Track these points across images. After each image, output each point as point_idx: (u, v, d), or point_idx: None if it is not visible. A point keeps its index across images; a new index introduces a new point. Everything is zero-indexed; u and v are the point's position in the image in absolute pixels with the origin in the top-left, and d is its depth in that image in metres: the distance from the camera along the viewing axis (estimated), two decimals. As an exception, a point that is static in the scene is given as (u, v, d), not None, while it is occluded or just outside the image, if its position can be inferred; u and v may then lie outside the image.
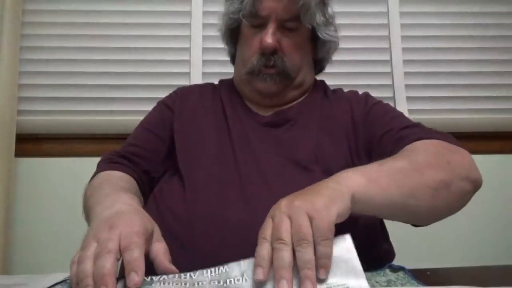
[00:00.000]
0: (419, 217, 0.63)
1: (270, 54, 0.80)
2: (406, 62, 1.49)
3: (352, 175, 0.55)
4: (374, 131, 0.78)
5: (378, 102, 0.85)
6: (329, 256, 0.45)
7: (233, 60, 0.95)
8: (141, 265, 0.45)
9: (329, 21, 0.86)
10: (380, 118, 0.79)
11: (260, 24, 0.81)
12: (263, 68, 0.81)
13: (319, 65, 0.93)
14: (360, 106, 0.83)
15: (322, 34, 0.84)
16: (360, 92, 0.90)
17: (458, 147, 0.68)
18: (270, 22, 0.79)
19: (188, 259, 0.61)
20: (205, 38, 1.46)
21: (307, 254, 0.44)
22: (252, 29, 0.82)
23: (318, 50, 0.88)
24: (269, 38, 0.78)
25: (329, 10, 0.87)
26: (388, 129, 0.76)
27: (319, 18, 0.82)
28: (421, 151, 0.64)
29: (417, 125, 0.76)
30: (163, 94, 0.93)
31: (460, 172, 0.63)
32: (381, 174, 0.56)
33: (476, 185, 0.65)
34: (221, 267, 0.48)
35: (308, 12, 0.80)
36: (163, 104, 0.90)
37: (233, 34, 0.89)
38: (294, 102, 0.87)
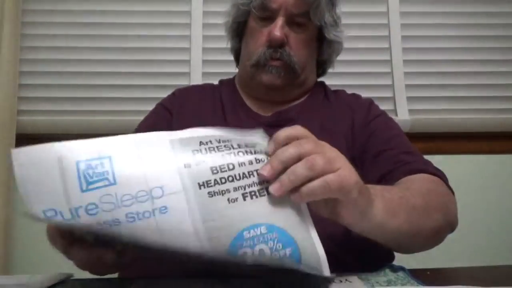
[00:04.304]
0: (403, 249, 0.66)
1: (277, 47, 0.80)
2: (406, 62, 1.49)
3: (375, 197, 0.53)
4: (373, 143, 0.78)
5: (381, 114, 0.85)
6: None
7: (236, 56, 0.95)
8: None
9: (336, 22, 0.86)
10: (382, 133, 0.79)
11: (268, 17, 0.81)
12: (269, 60, 0.81)
13: (321, 68, 0.93)
14: (362, 114, 0.82)
15: (329, 34, 0.85)
16: (363, 96, 0.89)
17: (449, 189, 0.70)
18: (280, 16, 0.80)
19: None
20: (205, 38, 1.46)
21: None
22: (260, 22, 0.82)
23: (323, 51, 0.88)
24: (277, 31, 0.79)
25: (337, 11, 0.87)
26: (388, 147, 0.76)
27: (327, 18, 0.83)
28: (432, 191, 0.65)
29: (416, 154, 0.77)
30: (163, 94, 0.93)
31: (451, 221, 0.66)
32: (399, 208, 0.55)
33: (452, 231, 0.68)
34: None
35: (318, 9, 0.80)
36: (161, 106, 0.89)
37: (239, 28, 0.89)
38: (295, 102, 0.87)
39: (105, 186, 0.41)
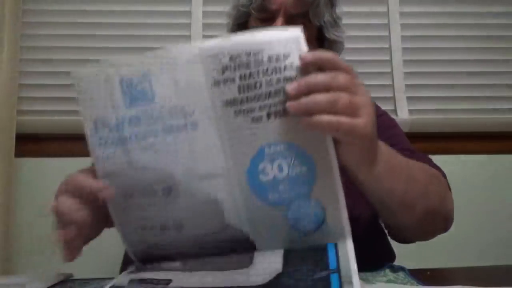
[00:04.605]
0: (394, 221, 0.64)
1: None
2: (406, 62, 1.49)
3: (381, 156, 0.53)
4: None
5: (383, 114, 0.86)
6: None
7: None
8: None
9: (336, 22, 0.87)
10: (384, 132, 0.80)
11: (268, 18, 0.82)
12: None
13: None
14: None
15: (329, 34, 0.85)
16: None
17: (447, 186, 0.70)
18: (279, 17, 0.80)
19: None
20: (205, 38, 1.46)
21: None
22: (260, 24, 0.83)
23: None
24: None
25: (337, 11, 0.88)
26: (392, 143, 0.76)
27: (327, 18, 0.83)
28: (435, 178, 0.65)
29: (416, 152, 0.78)
30: (163, 94, 0.93)
31: (447, 214, 0.66)
32: (400, 174, 0.56)
33: (447, 227, 0.68)
34: None
35: (317, 10, 0.81)
36: None
37: (240, 30, 0.90)
38: None
39: (145, 102, 0.47)
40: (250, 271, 0.46)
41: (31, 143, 1.37)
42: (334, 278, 0.42)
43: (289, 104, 0.43)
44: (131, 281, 0.48)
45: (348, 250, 0.46)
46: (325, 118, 0.43)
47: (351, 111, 0.44)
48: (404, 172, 0.56)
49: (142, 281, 0.47)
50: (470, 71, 1.50)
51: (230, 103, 0.45)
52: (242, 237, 0.49)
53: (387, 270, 0.57)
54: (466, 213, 1.40)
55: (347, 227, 0.47)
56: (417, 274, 0.54)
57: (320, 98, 0.43)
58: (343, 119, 0.44)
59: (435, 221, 0.65)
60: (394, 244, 0.79)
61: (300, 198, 0.46)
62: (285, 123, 0.45)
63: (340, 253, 0.46)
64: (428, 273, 0.58)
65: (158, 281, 0.47)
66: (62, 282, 0.56)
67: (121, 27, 1.46)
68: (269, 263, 0.47)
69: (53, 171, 1.35)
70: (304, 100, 0.43)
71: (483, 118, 1.46)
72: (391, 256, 0.78)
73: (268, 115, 0.45)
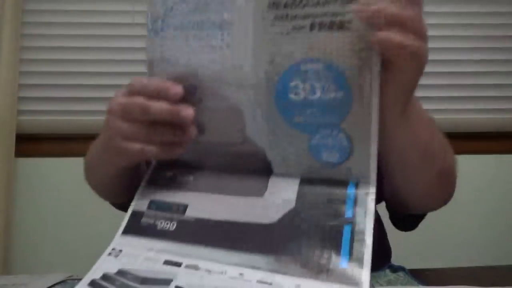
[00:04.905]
0: (410, 176, 0.58)
1: None
2: (406, 62, 1.49)
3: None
4: None
5: None
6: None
7: None
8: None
9: None
10: None
11: None
12: None
13: None
14: None
15: None
16: None
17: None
18: None
19: None
20: (205, 38, 1.45)
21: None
22: None
23: None
24: None
25: None
26: None
27: None
28: (447, 141, 0.62)
29: None
30: (163, 94, 0.94)
31: (456, 177, 0.63)
32: (427, 125, 0.56)
33: (452, 194, 0.64)
34: None
35: None
36: None
37: None
38: None
39: None
40: (263, 201, 0.44)
41: (31, 143, 1.37)
42: (346, 230, 0.39)
43: (357, 7, 0.37)
44: (150, 206, 0.48)
45: (368, 199, 0.41)
46: (398, 37, 0.38)
47: (421, 34, 0.40)
48: (429, 126, 0.56)
49: (159, 207, 0.47)
50: (470, 71, 1.50)
51: (273, 5, 0.40)
52: (260, 156, 0.45)
53: (387, 270, 0.57)
54: (466, 213, 1.40)
55: (373, 166, 0.42)
56: (417, 274, 0.54)
57: (396, 10, 0.38)
58: (414, 39, 0.39)
59: (448, 182, 0.61)
60: (394, 244, 0.79)
61: (328, 127, 0.42)
62: (329, 39, 0.39)
63: (359, 200, 0.42)
64: (428, 273, 0.58)
65: (177, 207, 0.46)
66: (62, 282, 0.56)
67: (121, 27, 1.46)
68: (283, 194, 0.44)
69: (53, 171, 1.36)
70: (375, 7, 0.37)
71: (483, 118, 1.46)
72: (389, 255, 0.78)
73: (312, 26, 0.39)
